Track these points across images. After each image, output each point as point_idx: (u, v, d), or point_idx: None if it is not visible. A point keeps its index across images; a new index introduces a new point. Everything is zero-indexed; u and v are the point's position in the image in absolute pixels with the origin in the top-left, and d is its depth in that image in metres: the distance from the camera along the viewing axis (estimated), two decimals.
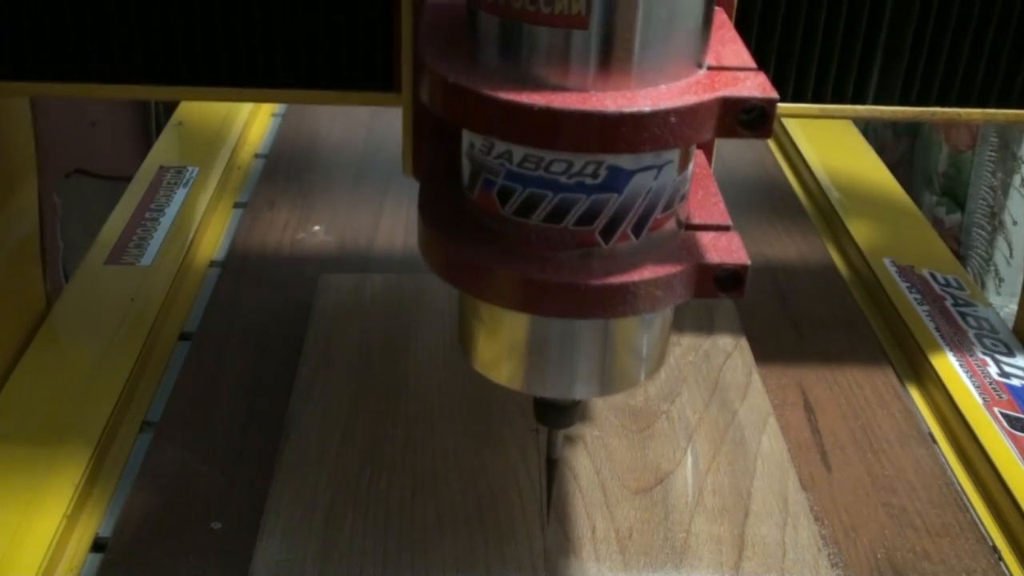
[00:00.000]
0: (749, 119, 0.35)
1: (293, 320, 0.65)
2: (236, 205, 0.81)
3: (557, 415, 0.45)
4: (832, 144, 0.91)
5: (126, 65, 0.50)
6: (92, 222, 0.81)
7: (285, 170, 0.86)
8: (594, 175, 0.36)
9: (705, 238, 0.39)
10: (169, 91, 0.51)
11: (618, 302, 0.37)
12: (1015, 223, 1.39)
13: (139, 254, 0.71)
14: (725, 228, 0.40)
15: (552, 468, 0.46)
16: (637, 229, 0.38)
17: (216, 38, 0.49)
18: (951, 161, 1.49)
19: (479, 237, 0.39)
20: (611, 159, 0.36)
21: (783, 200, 0.84)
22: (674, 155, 0.37)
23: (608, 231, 0.37)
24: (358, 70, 0.51)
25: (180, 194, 0.79)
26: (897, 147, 1.50)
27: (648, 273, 0.37)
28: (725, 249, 0.39)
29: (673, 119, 0.34)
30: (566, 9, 0.34)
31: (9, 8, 0.48)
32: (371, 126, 0.93)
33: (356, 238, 0.75)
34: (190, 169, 0.82)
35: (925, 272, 0.73)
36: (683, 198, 0.39)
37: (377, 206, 0.80)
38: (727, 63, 0.37)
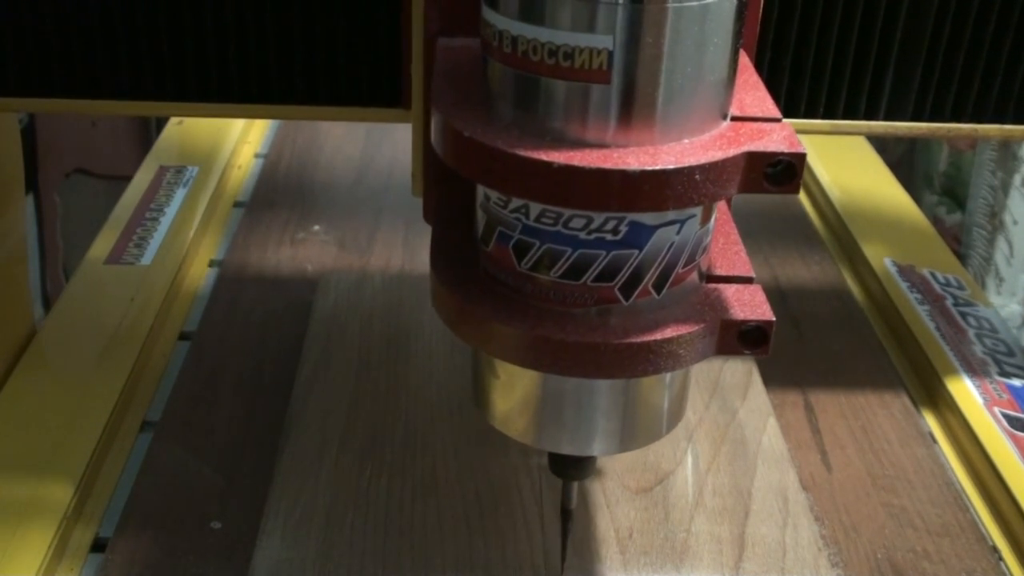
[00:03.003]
0: (775, 173, 0.33)
1: (293, 319, 0.65)
2: (236, 204, 0.81)
3: (573, 468, 0.43)
4: (832, 144, 0.91)
5: (126, 80, 0.49)
6: (92, 222, 0.81)
7: (285, 169, 0.86)
8: (614, 231, 0.35)
9: (728, 292, 0.38)
10: (167, 107, 0.50)
11: (639, 361, 0.36)
12: (1015, 223, 1.39)
13: (139, 254, 0.71)
14: (748, 280, 0.39)
15: (567, 519, 0.45)
16: (658, 285, 0.36)
17: (217, 53, 0.49)
18: (951, 160, 1.49)
19: (494, 292, 0.37)
20: (632, 215, 0.35)
21: (784, 199, 0.84)
22: (697, 208, 0.36)
23: (628, 287, 0.36)
24: (364, 85, 0.49)
25: (180, 193, 0.79)
26: (897, 146, 1.50)
27: (670, 331, 0.36)
28: (749, 304, 0.37)
29: (697, 176, 0.32)
30: (587, 63, 0.32)
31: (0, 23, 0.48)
32: (371, 125, 0.93)
33: (356, 237, 0.75)
34: (190, 168, 0.82)
35: (925, 272, 0.73)
36: (705, 250, 0.38)
37: (377, 205, 0.80)
38: (750, 112, 0.36)
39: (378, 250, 0.74)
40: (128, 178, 0.82)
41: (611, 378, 0.38)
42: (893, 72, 0.51)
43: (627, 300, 0.36)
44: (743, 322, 0.37)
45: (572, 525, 0.45)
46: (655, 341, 0.36)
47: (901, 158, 1.52)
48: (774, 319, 0.37)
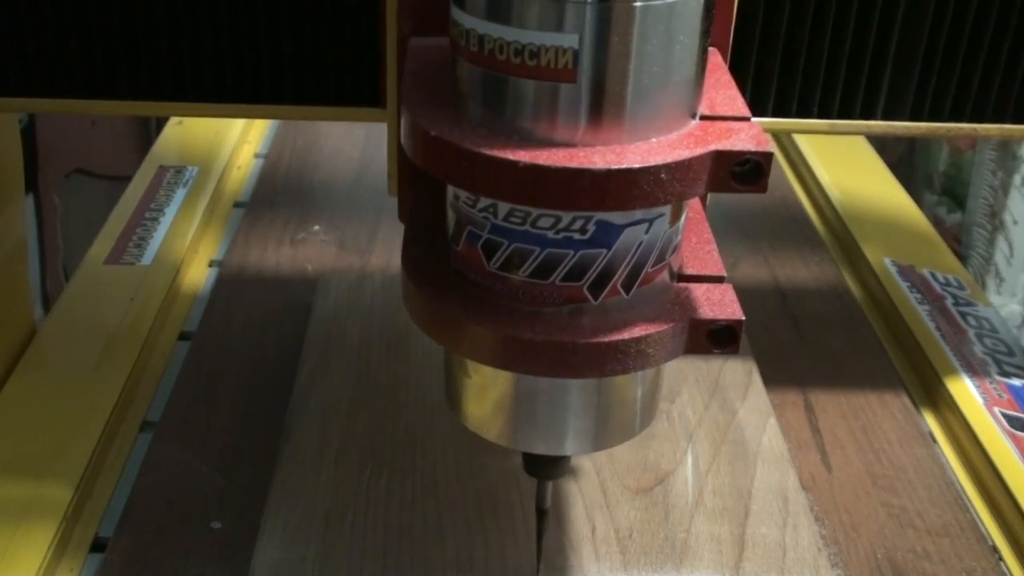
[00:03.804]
0: (743, 172, 0.33)
1: (293, 320, 0.65)
2: (236, 205, 0.81)
3: (547, 467, 0.43)
4: (832, 143, 0.91)
5: (119, 81, 0.49)
6: (92, 222, 0.81)
7: (285, 170, 0.86)
8: (582, 230, 0.35)
9: (698, 291, 0.38)
10: (160, 107, 0.50)
11: (608, 361, 0.36)
12: (1015, 223, 1.39)
13: (139, 254, 0.71)
14: (719, 279, 0.39)
15: (542, 518, 0.45)
16: (627, 284, 0.36)
17: (205, 55, 0.49)
18: (951, 160, 1.49)
19: (464, 292, 0.38)
20: (600, 214, 0.35)
21: (783, 199, 0.84)
22: (665, 207, 0.36)
23: (597, 287, 0.36)
24: (344, 86, 0.49)
25: (180, 194, 0.79)
26: (897, 146, 1.50)
27: (639, 331, 0.36)
28: (719, 304, 0.38)
29: (664, 175, 0.32)
30: (553, 62, 0.32)
31: (0, 24, 0.48)
32: (370, 126, 0.92)
33: (356, 237, 0.75)
34: (190, 169, 0.82)
35: (925, 272, 0.73)
36: (675, 249, 0.38)
37: (377, 205, 0.80)
38: (720, 111, 0.36)
39: (378, 250, 0.74)
40: (128, 178, 0.82)
41: (580, 377, 0.38)
42: (891, 71, 0.50)
43: (596, 299, 0.36)
44: (712, 321, 0.37)
45: (547, 525, 0.45)
46: (624, 340, 0.36)
47: (901, 158, 1.52)
48: (743, 318, 0.37)
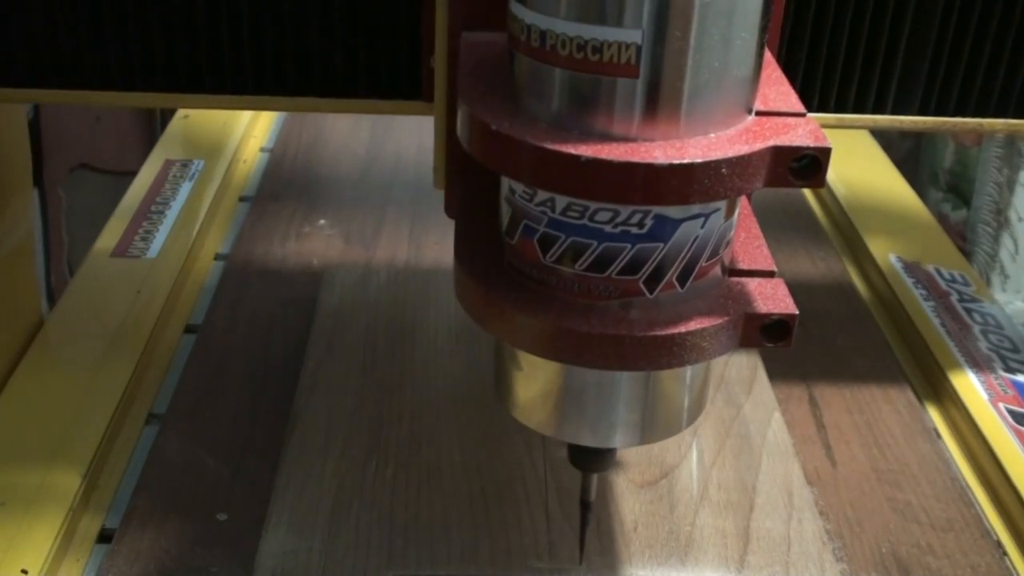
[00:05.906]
0: (800, 167, 0.34)
1: (298, 313, 0.65)
2: (241, 199, 0.81)
3: (593, 460, 0.43)
4: (837, 140, 0.91)
5: (139, 72, 0.49)
6: (97, 217, 0.81)
7: (290, 164, 0.86)
8: (640, 224, 0.35)
9: (751, 285, 0.38)
10: (182, 99, 0.51)
11: (662, 354, 0.36)
12: (1020, 219, 1.39)
13: (145, 247, 0.71)
14: (770, 274, 0.39)
15: (586, 511, 0.45)
16: (682, 278, 0.37)
17: (230, 44, 0.49)
18: (957, 157, 1.49)
19: (519, 285, 0.38)
20: (658, 208, 0.35)
21: (788, 195, 0.84)
22: (722, 202, 0.36)
23: (653, 280, 0.36)
24: (383, 77, 0.49)
25: (186, 187, 0.79)
26: (903, 143, 1.50)
27: (694, 324, 0.36)
28: (772, 298, 0.38)
29: (724, 170, 0.33)
30: (615, 58, 0.33)
31: (9, 14, 0.48)
32: (376, 120, 0.93)
33: (362, 231, 0.76)
34: (196, 162, 0.83)
35: (931, 268, 0.73)
36: (728, 244, 0.38)
37: (383, 199, 0.80)
38: (775, 107, 0.36)
39: (383, 244, 0.74)
40: (132, 173, 0.82)
41: (634, 370, 0.38)
42: (900, 66, 0.51)
43: (651, 293, 0.36)
44: (766, 315, 0.37)
45: (591, 517, 0.45)
46: (679, 334, 0.36)
47: (907, 155, 1.52)
48: (797, 312, 0.37)
